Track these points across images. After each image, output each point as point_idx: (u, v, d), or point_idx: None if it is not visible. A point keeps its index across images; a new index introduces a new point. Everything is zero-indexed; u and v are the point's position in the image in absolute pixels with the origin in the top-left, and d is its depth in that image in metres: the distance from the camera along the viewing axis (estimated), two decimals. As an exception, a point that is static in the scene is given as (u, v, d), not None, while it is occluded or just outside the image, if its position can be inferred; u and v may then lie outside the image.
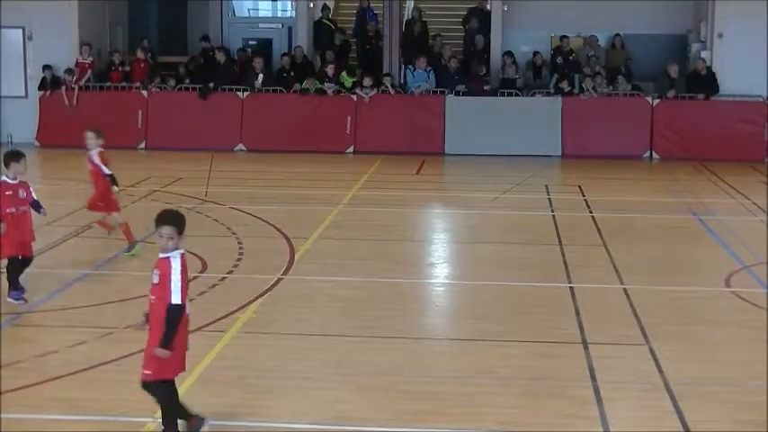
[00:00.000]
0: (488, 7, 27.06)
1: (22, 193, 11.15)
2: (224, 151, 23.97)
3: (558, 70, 25.08)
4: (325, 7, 27.79)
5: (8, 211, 10.97)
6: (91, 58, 24.98)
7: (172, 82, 25.21)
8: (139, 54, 25.36)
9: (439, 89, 24.60)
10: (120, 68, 25.24)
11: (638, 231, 15.53)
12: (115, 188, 13.54)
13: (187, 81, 25.14)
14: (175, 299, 7.13)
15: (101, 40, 26.27)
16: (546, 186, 19.56)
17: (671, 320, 10.76)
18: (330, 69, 24.65)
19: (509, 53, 25.28)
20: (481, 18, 26.79)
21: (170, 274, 7.15)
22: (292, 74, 24.96)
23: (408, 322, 10.69)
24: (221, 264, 12.86)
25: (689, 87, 24.02)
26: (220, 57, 25.17)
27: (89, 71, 24.92)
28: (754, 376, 8.93)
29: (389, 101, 24.52)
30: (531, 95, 24.56)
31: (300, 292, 11.76)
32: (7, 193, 11.01)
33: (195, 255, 13.27)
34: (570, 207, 17.45)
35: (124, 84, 24.98)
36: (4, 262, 11.19)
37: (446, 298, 12.14)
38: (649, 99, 24.05)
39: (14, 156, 11.20)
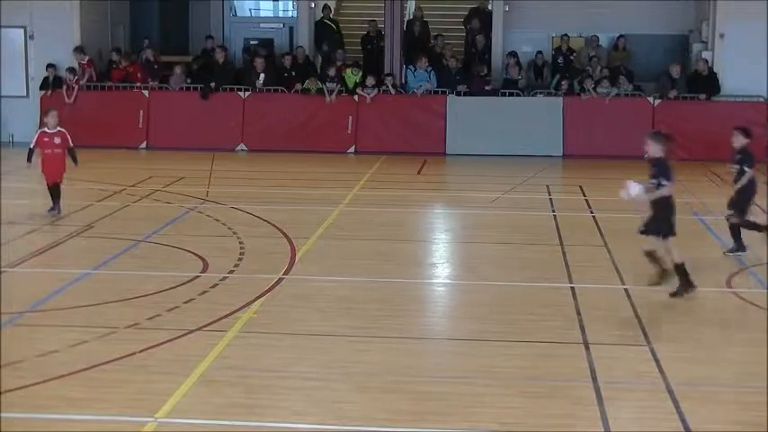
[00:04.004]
0: (489, 7, 27.06)
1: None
2: (225, 151, 23.98)
3: (559, 71, 25.08)
4: (325, 7, 27.78)
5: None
6: (87, 58, 24.93)
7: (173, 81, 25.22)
8: (122, 61, 25.32)
9: (440, 89, 24.61)
10: (122, 65, 25.23)
11: (639, 232, 15.50)
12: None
13: (189, 81, 25.13)
14: None
15: (102, 40, 26.27)
16: (547, 186, 19.56)
17: (672, 321, 10.77)
18: (332, 71, 24.63)
19: (513, 54, 25.28)
20: (482, 18, 26.79)
21: None
22: (294, 74, 24.96)
23: (409, 322, 10.69)
24: (222, 263, 12.86)
25: (690, 88, 24.02)
26: (219, 56, 25.16)
27: (88, 70, 24.90)
28: (754, 376, 8.93)
29: (390, 101, 24.52)
30: (533, 96, 24.56)
31: (301, 291, 11.76)
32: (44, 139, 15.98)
33: (196, 254, 13.30)
34: (571, 207, 17.45)
35: (125, 83, 25.00)
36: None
37: (446, 298, 12.13)
38: (650, 99, 24.05)
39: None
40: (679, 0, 26.21)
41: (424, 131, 24.16)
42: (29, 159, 15.96)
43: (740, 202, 13.70)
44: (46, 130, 16.02)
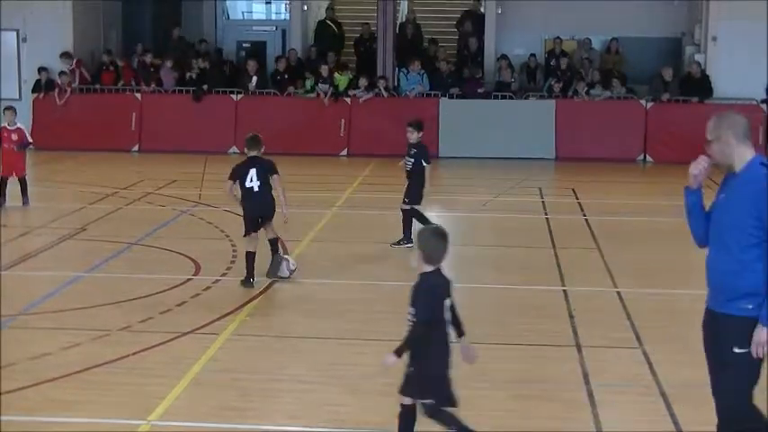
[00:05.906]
0: (482, 10, 27.09)
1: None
2: (218, 153, 23.95)
3: (551, 73, 25.12)
4: (329, 8, 27.78)
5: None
6: (74, 61, 24.90)
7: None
8: (113, 62, 25.39)
9: (432, 92, 24.62)
10: (112, 68, 25.27)
11: (632, 234, 15.54)
12: None
13: (178, 76, 25.11)
14: None
15: (95, 43, 26.27)
16: (540, 189, 19.58)
17: (664, 323, 10.78)
18: (325, 70, 24.62)
19: (504, 56, 25.29)
20: (475, 21, 26.81)
21: None
22: (286, 76, 24.96)
23: (402, 325, 10.65)
24: (215, 266, 12.86)
25: (683, 90, 24.05)
26: (211, 59, 25.17)
27: (78, 71, 24.90)
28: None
29: (383, 104, 24.51)
30: (525, 98, 24.58)
31: (294, 294, 11.76)
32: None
33: (189, 257, 13.30)
34: (564, 210, 17.46)
35: (118, 86, 25.01)
36: None
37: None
38: (643, 102, 24.08)
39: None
40: (671, 2, 26.28)
41: (417, 134, 24.11)
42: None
43: (413, 194, 14.23)
44: (6, 126, 17.10)
